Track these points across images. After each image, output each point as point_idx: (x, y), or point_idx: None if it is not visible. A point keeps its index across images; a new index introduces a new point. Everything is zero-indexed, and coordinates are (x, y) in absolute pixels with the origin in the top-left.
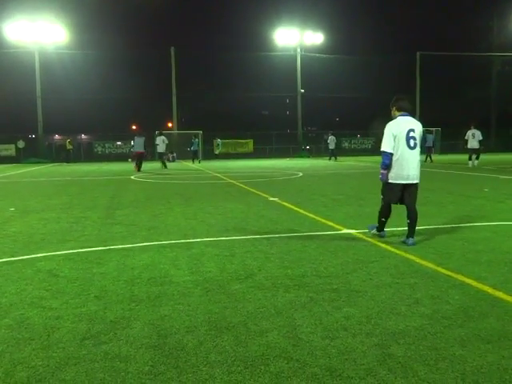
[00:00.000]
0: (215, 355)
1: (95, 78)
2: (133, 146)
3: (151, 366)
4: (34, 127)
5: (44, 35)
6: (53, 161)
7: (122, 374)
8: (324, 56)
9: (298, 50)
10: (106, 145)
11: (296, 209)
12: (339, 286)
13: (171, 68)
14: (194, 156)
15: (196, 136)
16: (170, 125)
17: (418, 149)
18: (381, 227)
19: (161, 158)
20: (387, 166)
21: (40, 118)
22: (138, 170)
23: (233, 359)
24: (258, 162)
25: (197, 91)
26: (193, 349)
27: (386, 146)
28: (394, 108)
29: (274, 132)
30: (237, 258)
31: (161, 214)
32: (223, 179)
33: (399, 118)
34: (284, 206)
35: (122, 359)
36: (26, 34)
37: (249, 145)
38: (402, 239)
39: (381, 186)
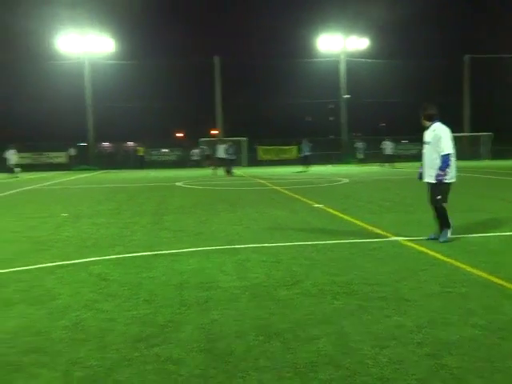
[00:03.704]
0: (264, 361)
1: (142, 86)
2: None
3: (202, 369)
4: (85, 135)
5: (93, 46)
6: (101, 168)
7: (174, 376)
8: (369, 61)
9: (342, 55)
10: (153, 152)
11: (341, 215)
12: (388, 294)
13: (215, 77)
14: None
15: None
16: (214, 132)
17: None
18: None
19: (225, 164)
20: (447, 168)
21: (90, 126)
22: (228, 173)
23: (282, 365)
24: (299, 169)
25: (241, 98)
26: (242, 354)
27: (449, 148)
28: (423, 117)
29: (318, 138)
30: (283, 265)
31: (207, 220)
32: (267, 186)
33: (439, 123)
34: (329, 212)
35: (173, 362)
36: (77, 45)
37: (292, 151)
38: (432, 236)
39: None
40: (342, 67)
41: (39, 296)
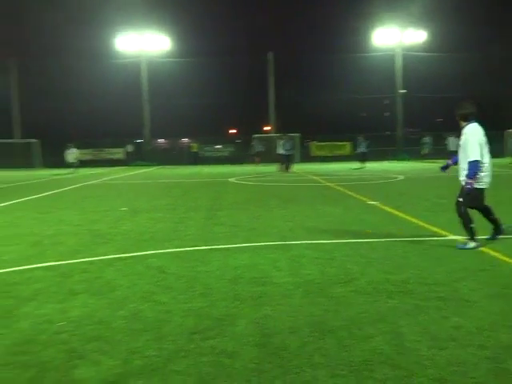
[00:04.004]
0: (318, 357)
1: (196, 84)
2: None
3: (256, 363)
4: (141, 132)
5: (150, 45)
6: (157, 164)
7: (229, 369)
8: (426, 54)
9: (398, 49)
10: (206, 148)
11: (396, 213)
12: (446, 294)
13: (269, 73)
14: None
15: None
16: (267, 128)
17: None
18: (473, 234)
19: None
20: (476, 176)
21: (146, 123)
22: (287, 169)
23: (336, 362)
24: (355, 165)
25: (294, 94)
26: (296, 349)
27: (476, 155)
28: (458, 117)
29: (372, 134)
30: (337, 262)
31: (260, 216)
32: (320, 182)
33: (473, 125)
34: (384, 209)
35: (228, 355)
36: (134, 44)
37: (346, 147)
38: (489, 237)
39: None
40: (398, 61)
41: (100, 287)
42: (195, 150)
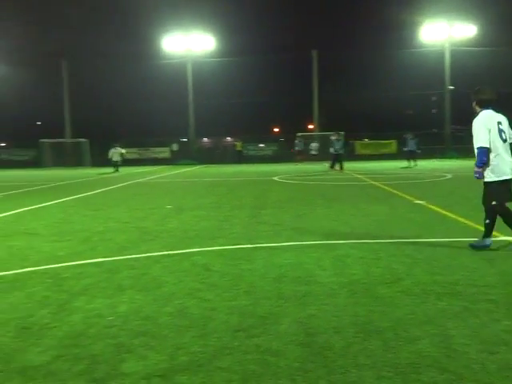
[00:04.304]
0: (364, 358)
1: (240, 82)
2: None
3: (300, 362)
4: (186, 131)
5: (196, 45)
6: (201, 162)
7: (273, 367)
8: (475, 49)
9: (447, 44)
10: (250, 147)
11: (445, 212)
12: (497, 297)
13: (312, 71)
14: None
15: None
16: (310, 126)
17: (508, 143)
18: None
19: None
20: (484, 163)
21: (191, 122)
22: (338, 168)
23: (382, 364)
24: (401, 163)
25: (338, 92)
26: (341, 350)
27: (482, 141)
28: (475, 102)
29: (419, 132)
30: (382, 262)
31: (304, 215)
32: (365, 181)
33: (485, 111)
34: (431, 209)
35: (272, 353)
36: (180, 45)
37: (392, 145)
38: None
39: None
40: (447, 57)
41: (147, 283)
42: (239, 149)
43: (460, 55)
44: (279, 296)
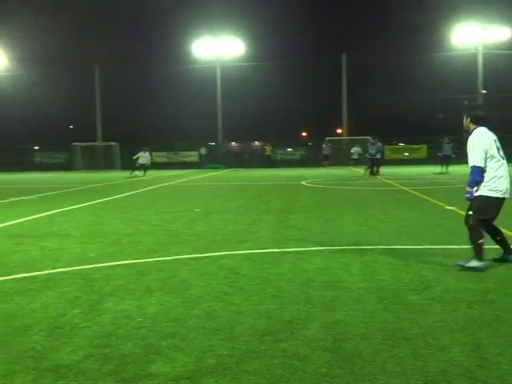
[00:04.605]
0: (392, 365)
1: (268, 87)
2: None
3: (328, 368)
4: (215, 135)
5: (225, 49)
6: (229, 166)
7: (300, 372)
8: (509, 52)
9: (480, 47)
10: (278, 151)
11: None
12: None
13: (341, 74)
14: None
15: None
16: (339, 131)
17: (505, 160)
18: (481, 252)
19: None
20: (477, 183)
21: (220, 126)
22: (375, 173)
23: (411, 372)
24: (431, 169)
25: (367, 96)
26: (369, 356)
27: (477, 160)
28: (469, 119)
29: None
30: (412, 268)
31: (332, 220)
32: (394, 186)
33: (481, 129)
34: (462, 215)
35: (299, 358)
36: (210, 49)
37: (422, 150)
38: (497, 257)
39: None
40: (480, 60)
41: (175, 285)
42: (269, 153)
43: (493, 58)
44: (307, 301)
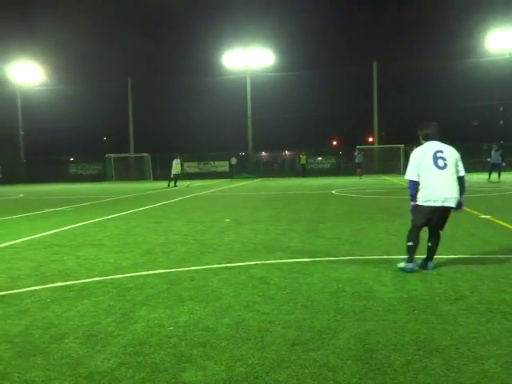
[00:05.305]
0: (424, 377)
1: (297, 96)
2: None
3: (359, 378)
4: (245, 145)
5: (255, 60)
6: (259, 176)
7: (331, 382)
8: None
9: None
10: (309, 160)
11: None
12: None
13: (372, 83)
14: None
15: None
16: (370, 139)
17: (449, 170)
18: (410, 254)
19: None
20: (413, 196)
21: (250, 136)
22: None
23: (444, 383)
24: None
25: (398, 104)
26: (400, 367)
27: (409, 174)
28: (421, 137)
29: (486, 144)
30: (445, 278)
31: (363, 229)
32: None
33: (426, 143)
34: (498, 224)
35: (329, 368)
36: (240, 60)
37: None
38: (418, 263)
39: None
40: None
41: (206, 295)
42: (303, 162)
43: None
44: (337, 310)
